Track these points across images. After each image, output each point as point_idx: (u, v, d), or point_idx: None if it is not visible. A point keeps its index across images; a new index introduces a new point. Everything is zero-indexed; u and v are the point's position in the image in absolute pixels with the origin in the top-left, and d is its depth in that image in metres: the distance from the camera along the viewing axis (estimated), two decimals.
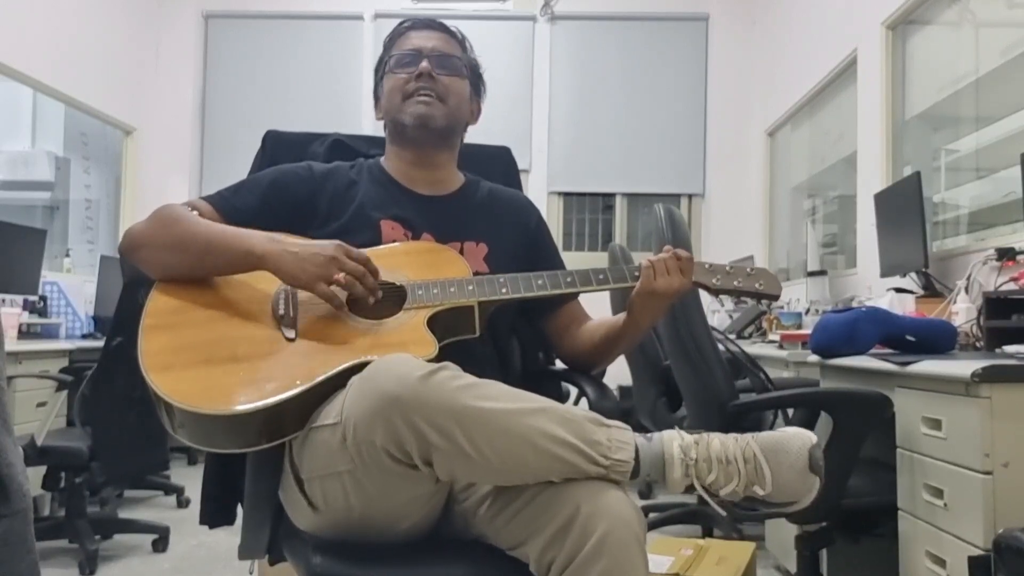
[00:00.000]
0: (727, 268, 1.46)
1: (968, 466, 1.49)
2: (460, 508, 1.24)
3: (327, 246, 1.28)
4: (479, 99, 1.61)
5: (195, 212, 1.39)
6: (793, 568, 2.23)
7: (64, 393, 2.98)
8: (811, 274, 3.95)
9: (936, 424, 1.59)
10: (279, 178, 1.49)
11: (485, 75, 1.62)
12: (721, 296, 1.51)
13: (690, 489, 1.12)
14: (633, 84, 5.55)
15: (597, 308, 1.69)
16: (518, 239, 1.57)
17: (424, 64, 1.48)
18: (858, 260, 3.81)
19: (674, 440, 1.12)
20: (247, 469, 1.36)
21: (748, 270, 1.47)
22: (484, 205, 1.58)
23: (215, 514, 1.50)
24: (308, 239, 1.34)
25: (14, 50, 4.16)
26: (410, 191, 1.53)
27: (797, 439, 1.13)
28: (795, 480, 1.11)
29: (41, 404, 3.16)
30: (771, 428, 2.20)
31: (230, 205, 1.43)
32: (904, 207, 2.94)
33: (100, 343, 2.97)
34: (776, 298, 1.47)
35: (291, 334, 1.26)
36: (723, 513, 1.14)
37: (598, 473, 1.08)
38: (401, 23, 1.58)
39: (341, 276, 1.25)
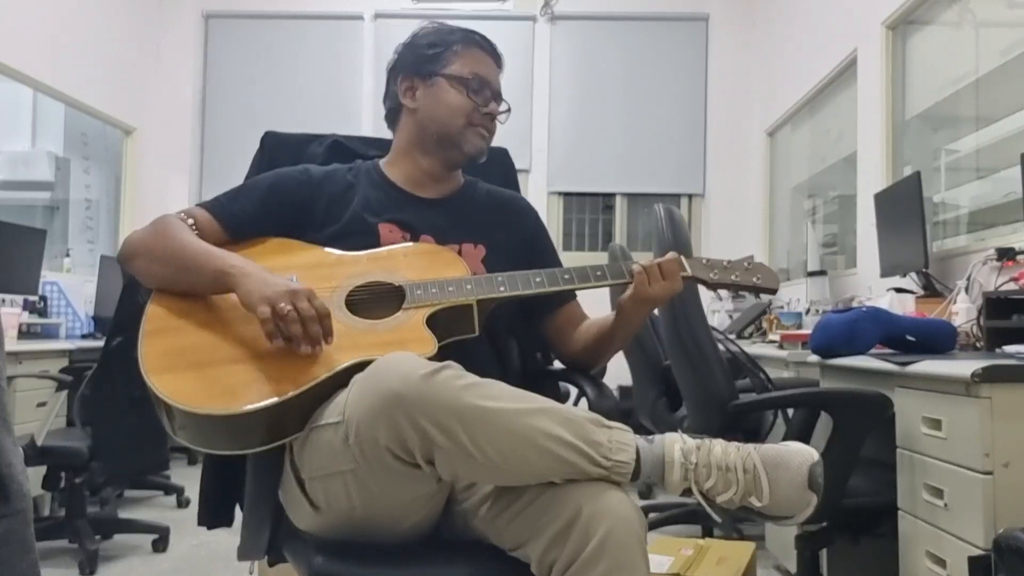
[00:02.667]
0: (724, 263, 1.47)
1: (968, 466, 1.49)
2: (461, 508, 1.24)
3: (294, 283, 1.24)
4: None
5: (191, 221, 1.39)
6: (793, 568, 2.23)
7: (64, 393, 2.98)
8: (811, 274, 3.95)
9: (936, 424, 1.59)
10: (276, 183, 1.49)
11: None
12: (719, 291, 1.51)
13: (687, 492, 1.12)
14: (633, 84, 5.55)
15: (597, 307, 1.69)
16: (516, 241, 1.57)
17: (494, 107, 1.52)
18: (858, 260, 3.81)
19: (675, 443, 1.12)
20: (247, 469, 1.36)
21: (745, 264, 1.48)
22: (482, 207, 1.58)
23: (213, 514, 1.50)
24: (282, 277, 1.28)
25: (14, 50, 4.16)
26: (408, 194, 1.53)
27: (799, 455, 1.12)
28: (792, 496, 1.11)
29: (41, 404, 3.16)
30: (771, 428, 2.21)
31: (228, 211, 1.43)
32: (904, 207, 2.94)
33: (100, 343, 2.97)
34: (774, 292, 1.48)
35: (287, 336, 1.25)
36: (717, 519, 1.14)
37: (599, 474, 1.08)
38: (470, 33, 1.57)
39: (286, 308, 1.18)
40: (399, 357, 1.09)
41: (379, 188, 1.53)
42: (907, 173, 3.32)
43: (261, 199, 1.46)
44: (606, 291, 2.22)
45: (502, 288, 1.36)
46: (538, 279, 1.39)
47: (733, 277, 1.45)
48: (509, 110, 1.56)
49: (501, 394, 1.09)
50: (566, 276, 1.40)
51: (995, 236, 2.84)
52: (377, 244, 1.44)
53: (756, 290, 1.46)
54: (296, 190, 1.48)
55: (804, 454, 1.12)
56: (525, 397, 1.11)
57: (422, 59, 1.53)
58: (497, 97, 1.54)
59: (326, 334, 1.21)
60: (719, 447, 1.13)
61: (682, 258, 1.43)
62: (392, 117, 1.58)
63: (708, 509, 1.12)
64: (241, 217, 1.43)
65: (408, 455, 1.06)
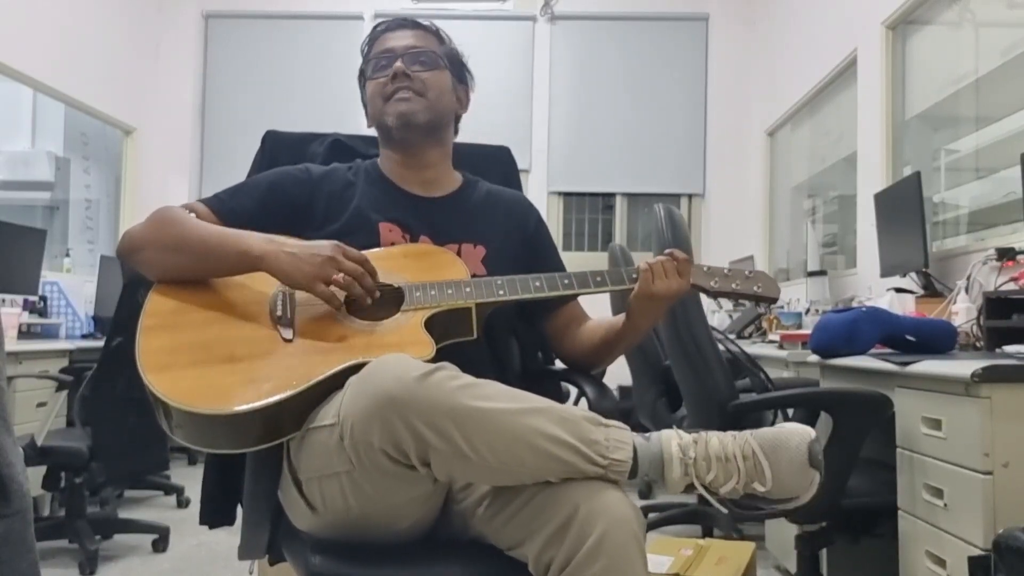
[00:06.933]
0: (725, 271, 1.46)
1: (968, 466, 1.49)
2: (458, 508, 1.24)
3: (324, 246, 1.27)
4: (466, 87, 1.59)
5: (192, 214, 1.39)
6: (793, 568, 2.23)
7: (64, 393, 2.98)
8: (811, 274, 3.95)
9: (936, 424, 1.59)
10: (277, 181, 1.49)
11: (484, 74, 1.62)
12: (719, 298, 1.50)
13: (690, 488, 1.11)
14: (633, 84, 5.56)
15: (597, 308, 1.69)
16: (517, 240, 1.57)
17: (398, 64, 1.48)
18: (858, 260, 3.81)
19: (672, 439, 1.12)
20: (246, 469, 1.36)
21: (746, 273, 1.47)
22: (483, 206, 1.58)
23: (215, 514, 1.49)
24: (306, 240, 1.33)
25: (14, 50, 4.16)
26: (408, 192, 1.53)
27: (795, 435, 1.12)
28: (795, 475, 1.10)
29: (41, 404, 3.16)
30: None
31: (227, 208, 1.43)
32: (904, 207, 2.94)
33: (100, 343, 2.97)
34: (774, 301, 1.47)
35: (288, 335, 1.25)
36: (723, 511, 1.14)
37: (596, 473, 1.08)
38: (375, 27, 1.58)
39: (340, 276, 1.25)
40: (393, 359, 1.09)
41: (379, 187, 1.53)
42: (907, 173, 3.32)
43: (261, 197, 1.46)
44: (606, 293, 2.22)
45: (501, 292, 1.36)
46: (537, 283, 1.38)
47: (734, 286, 1.44)
48: (420, 50, 1.50)
49: (496, 394, 1.09)
50: (565, 281, 1.39)
51: (995, 236, 2.84)
52: (377, 243, 1.43)
53: (756, 299, 1.45)
54: (296, 188, 1.48)
55: (801, 433, 1.13)
56: (520, 397, 1.10)
57: (360, 71, 1.58)
58: (407, 56, 1.49)
59: (373, 276, 1.29)
60: (715, 439, 1.13)
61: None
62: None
63: (713, 502, 1.11)
64: (241, 214, 1.43)
65: (403, 456, 1.06)
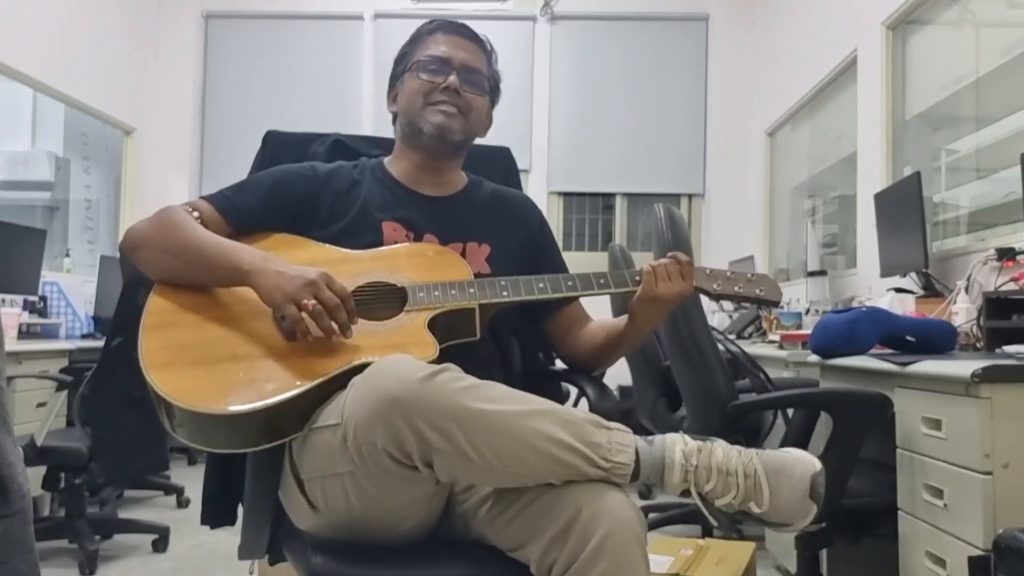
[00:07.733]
0: (728, 273, 1.46)
1: (968, 466, 1.49)
2: (460, 509, 1.24)
3: (311, 271, 1.23)
4: (491, 110, 1.60)
5: (196, 213, 1.39)
6: (793, 568, 2.23)
7: (64, 393, 2.98)
8: (811, 274, 3.95)
9: (936, 424, 1.59)
10: (281, 178, 1.48)
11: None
12: (722, 301, 1.51)
13: (686, 494, 1.12)
14: (633, 84, 5.56)
15: (598, 309, 1.69)
16: (520, 239, 1.57)
17: (453, 79, 1.48)
18: (858, 260, 3.81)
19: (676, 444, 1.12)
20: (247, 469, 1.36)
21: (749, 276, 1.47)
22: (487, 205, 1.58)
23: (216, 514, 1.50)
24: (294, 264, 1.29)
25: (14, 50, 4.15)
26: (413, 192, 1.53)
27: (801, 464, 1.12)
28: (793, 504, 1.10)
29: (41, 404, 3.16)
30: (771, 428, 2.21)
31: (231, 205, 1.43)
32: (904, 207, 2.94)
33: (100, 343, 2.97)
34: (776, 304, 1.48)
35: (292, 334, 1.25)
36: (714, 522, 1.14)
37: (598, 475, 1.08)
38: (430, 21, 1.57)
39: (311, 303, 1.20)
40: (397, 360, 1.09)
41: (384, 186, 1.53)
42: (907, 173, 3.32)
43: (265, 194, 1.46)
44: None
45: (505, 293, 1.36)
46: (541, 285, 1.38)
47: (736, 289, 1.45)
48: (475, 71, 1.50)
49: (499, 396, 1.09)
50: (569, 282, 1.40)
51: (995, 236, 2.84)
52: (381, 242, 1.44)
53: (759, 302, 1.46)
54: (301, 186, 1.48)
55: (806, 463, 1.12)
56: (524, 399, 1.10)
57: (398, 63, 1.57)
58: (463, 71, 1.50)
59: (351, 315, 1.22)
60: (720, 450, 1.12)
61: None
62: (393, 122, 1.60)
63: (705, 512, 1.12)
64: (244, 211, 1.43)
65: (406, 458, 1.06)
